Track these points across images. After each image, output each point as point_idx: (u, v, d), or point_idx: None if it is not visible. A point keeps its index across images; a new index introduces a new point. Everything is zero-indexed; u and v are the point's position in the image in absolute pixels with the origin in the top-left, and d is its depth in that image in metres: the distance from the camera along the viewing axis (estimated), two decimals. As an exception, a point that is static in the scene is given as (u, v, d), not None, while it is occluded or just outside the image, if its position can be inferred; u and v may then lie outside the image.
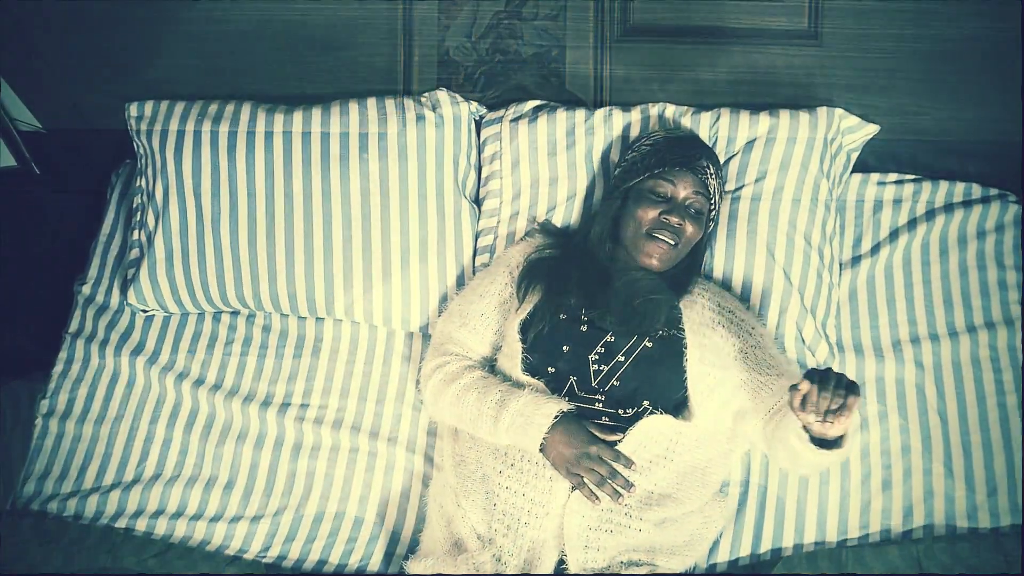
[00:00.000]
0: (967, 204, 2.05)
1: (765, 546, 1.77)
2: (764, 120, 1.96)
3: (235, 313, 2.10)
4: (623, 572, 1.61)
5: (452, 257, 2.01)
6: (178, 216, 2.04)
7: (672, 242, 1.76)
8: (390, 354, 2.02)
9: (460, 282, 2.00)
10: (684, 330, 1.75)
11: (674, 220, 1.76)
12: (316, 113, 2.04)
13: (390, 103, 2.04)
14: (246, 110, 2.05)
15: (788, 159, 1.93)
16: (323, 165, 2.00)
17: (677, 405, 1.73)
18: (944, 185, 2.07)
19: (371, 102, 2.05)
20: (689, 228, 1.77)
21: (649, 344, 1.73)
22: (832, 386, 1.43)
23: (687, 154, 1.79)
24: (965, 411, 1.85)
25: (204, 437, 1.94)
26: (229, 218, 2.01)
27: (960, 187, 2.07)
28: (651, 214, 1.77)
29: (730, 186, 1.95)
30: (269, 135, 2.02)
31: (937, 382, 1.88)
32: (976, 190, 2.06)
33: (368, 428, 1.93)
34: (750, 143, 1.96)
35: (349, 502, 1.86)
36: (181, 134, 2.04)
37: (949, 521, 1.76)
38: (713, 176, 1.80)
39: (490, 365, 1.85)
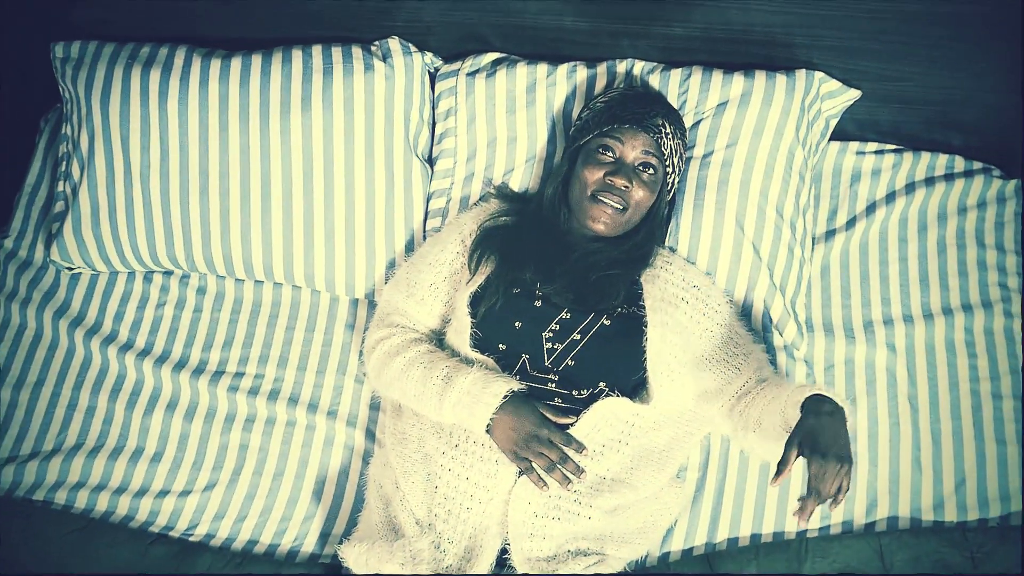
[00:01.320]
0: (949, 178, 1.96)
1: (722, 535, 1.69)
2: (738, 81, 1.83)
3: (167, 273, 1.97)
4: (569, 562, 1.51)
5: (401, 220, 1.89)
6: (105, 168, 1.90)
7: (618, 206, 1.65)
8: (332, 322, 1.91)
9: (409, 247, 1.89)
10: (645, 307, 1.65)
11: (619, 182, 1.64)
12: (256, 60, 1.89)
13: (337, 51, 1.90)
14: (180, 55, 1.91)
15: (762, 124, 1.81)
16: (262, 117, 1.86)
17: (635, 386, 1.64)
18: (926, 157, 1.97)
19: (316, 49, 1.91)
20: (638, 192, 1.66)
21: (607, 322, 1.63)
22: (830, 464, 1.35)
23: (641, 111, 1.67)
24: (936, 398, 1.77)
25: (131, 406, 1.83)
26: (159, 172, 1.88)
27: (942, 159, 1.97)
28: (596, 175, 1.66)
29: (698, 152, 1.83)
30: (204, 83, 1.87)
31: (909, 366, 1.80)
32: (959, 163, 1.97)
33: (306, 400, 1.83)
34: (722, 105, 1.83)
35: (284, 479, 1.77)
36: (109, 79, 1.89)
37: (914, 514, 1.68)
38: (670, 136, 1.67)
39: (438, 339, 1.75)
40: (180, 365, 1.86)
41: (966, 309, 1.83)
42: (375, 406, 1.82)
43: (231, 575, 1.64)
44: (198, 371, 1.85)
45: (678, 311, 1.66)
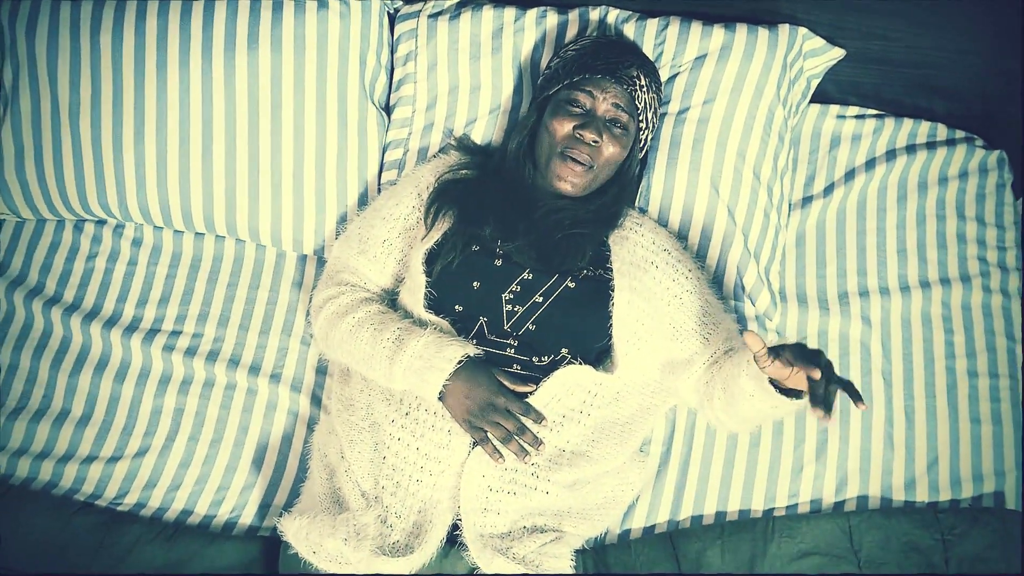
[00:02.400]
0: (931, 146, 1.88)
1: (685, 512, 1.61)
2: (718, 33, 1.73)
3: (100, 223, 1.84)
4: (525, 539, 1.42)
5: (354, 171, 1.77)
6: (30, 106, 1.76)
7: (586, 163, 1.55)
8: (278, 279, 1.80)
9: (362, 201, 1.78)
10: (612, 270, 1.55)
11: (588, 136, 1.54)
12: None
13: None
14: None
15: (742, 81, 1.71)
16: (204, 56, 1.72)
17: (599, 354, 1.55)
18: (908, 123, 1.90)
19: None
20: (608, 148, 1.56)
21: (571, 284, 1.53)
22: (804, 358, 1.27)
23: (614, 61, 1.57)
24: (911, 374, 1.71)
25: (56, 365, 1.71)
26: (91, 112, 1.74)
27: (925, 127, 1.90)
28: (565, 128, 1.56)
29: (674, 107, 1.72)
30: (141, 16, 1.74)
31: (883, 340, 1.73)
32: (942, 131, 1.90)
33: (248, 362, 1.72)
34: (700, 59, 1.73)
35: (222, 445, 1.66)
36: (36, 8, 1.76)
37: (885, 494, 1.62)
38: (645, 89, 1.57)
39: (391, 299, 1.65)
40: (112, 322, 1.74)
41: (944, 283, 1.76)
42: (322, 370, 1.72)
43: (162, 548, 1.53)
44: (131, 329, 1.74)
45: (647, 276, 1.57)
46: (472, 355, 1.46)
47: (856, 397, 1.27)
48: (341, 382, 1.62)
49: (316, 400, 1.70)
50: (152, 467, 1.64)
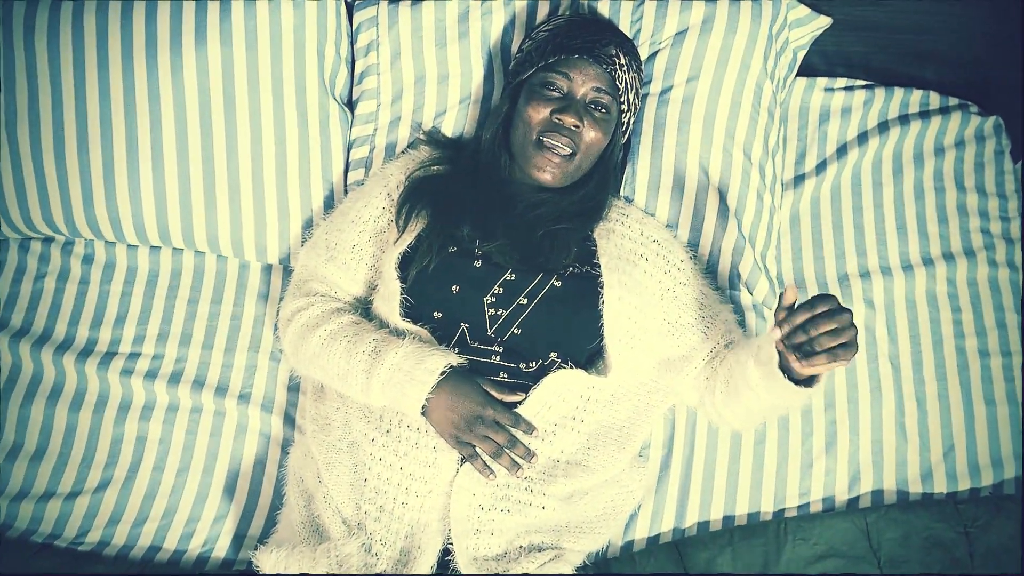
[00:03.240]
0: (924, 115, 1.80)
1: (691, 519, 1.52)
2: (698, 7, 1.63)
3: (46, 240, 1.72)
4: (522, 559, 1.32)
5: (318, 173, 1.66)
6: (-39, 116, 1.62)
7: (567, 150, 1.45)
8: (242, 292, 1.69)
9: (328, 204, 1.67)
10: (600, 265, 1.45)
11: (568, 120, 1.44)
12: None
13: None
14: None
15: (726, 55, 1.61)
16: (148, 53, 1.60)
17: (591, 356, 1.46)
18: (899, 93, 1.82)
19: None
20: (590, 133, 1.45)
21: (557, 283, 1.43)
22: (826, 313, 1.18)
23: (591, 40, 1.47)
24: (920, 357, 1.63)
25: (6, 395, 1.60)
26: (28, 119, 1.62)
27: (916, 95, 1.82)
28: (542, 113, 1.45)
29: (656, 87, 1.62)
30: (79, 14, 1.62)
31: (888, 323, 1.64)
32: (934, 99, 1.83)
33: (214, 383, 1.62)
34: (681, 34, 1.63)
35: (189, 474, 1.56)
36: (-37, 10, 1.61)
37: (900, 487, 1.53)
38: (625, 69, 1.46)
39: (364, 308, 1.55)
40: (64, 347, 1.62)
41: (947, 258, 1.68)
42: (294, 387, 1.62)
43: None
44: (85, 353, 1.62)
45: (637, 269, 1.47)
46: (455, 365, 1.36)
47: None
48: (315, 400, 1.52)
49: (290, 420, 1.60)
50: (115, 501, 1.53)
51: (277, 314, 1.61)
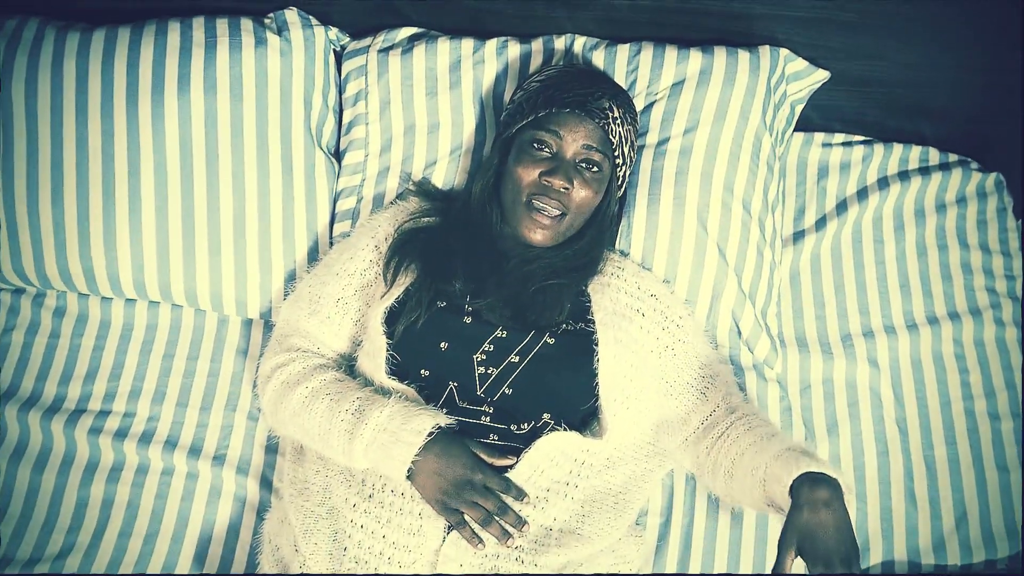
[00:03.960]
0: (924, 171, 1.77)
1: (691, 590, 1.43)
2: (695, 57, 1.59)
3: (17, 292, 1.66)
4: (512, 637, 1.24)
5: (302, 224, 1.61)
6: (-68, 163, 1.56)
7: (556, 212, 1.40)
8: (220, 347, 1.62)
9: (312, 257, 1.61)
10: (594, 322, 1.39)
11: (557, 183, 1.39)
12: (123, 35, 1.60)
13: (222, 23, 1.63)
14: (31, 28, 1.61)
15: (724, 107, 1.57)
16: (129, 103, 1.56)
17: (585, 417, 1.39)
18: (898, 148, 1.79)
19: (197, 22, 1.63)
20: (580, 192, 1.40)
21: (550, 341, 1.36)
22: None
23: (583, 93, 1.42)
24: (927, 420, 1.56)
25: None
26: (2, 168, 1.56)
27: (916, 151, 1.79)
28: (531, 175, 1.41)
29: (652, 138, 1.58)
30: (59, 59, 1.58)
31: (894, 384, 1.58)
32: (933, 155, 1.79)
33: (187, 443, 1.54)
34: (677, 85, 1.59)
35: (158, 540, 1.47)
36: (-65, 53, 1.57)
37: (912, 557, 1.46)
38: (619, 122, 1.42)
39: (348, 365, 1.48)
40: (30, 403, 1.55)
41: (953, 318, 1.63)
42: (272, 448, 1.54)
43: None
44: (52, 410, 1.55)
45: (633, 325, 1.41)
46: (444, 426, 1.29)
47: None
48: (294, 462, 1.44)
49: (267, 483, 1.52)
50: (78, 568, 1.44)
51: (256, 371, 1.53)
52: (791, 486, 1.21)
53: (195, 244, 1.57)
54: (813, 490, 1.18)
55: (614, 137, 1.42)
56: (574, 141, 1.40)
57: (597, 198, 1.43)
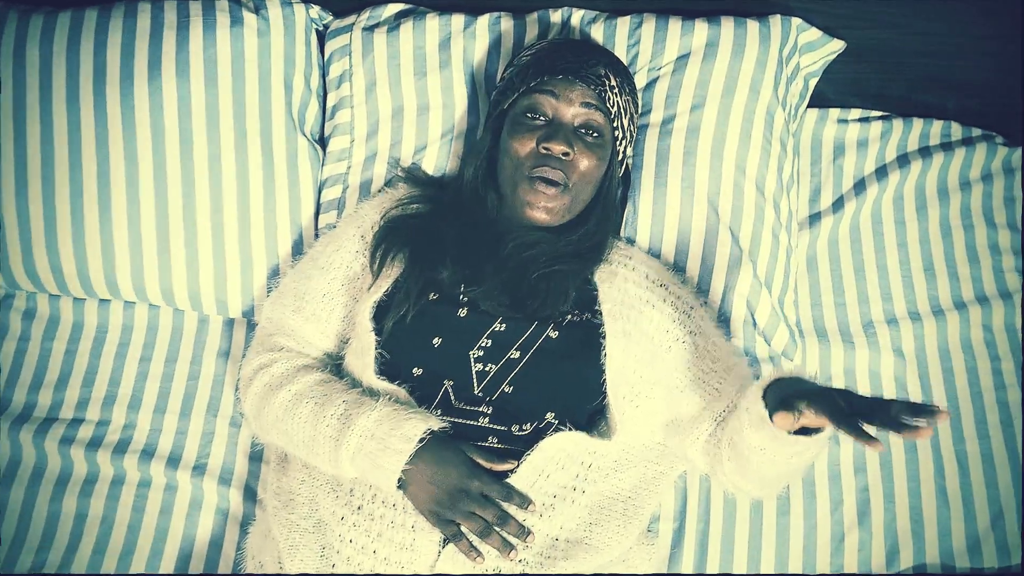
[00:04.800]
0: (946, 147, 1.67)
1: (708, 600, 1.33)
2: (701, 29, 1.50)
3: (-18, 294, 1.56)
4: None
5: (285, 216, 1.52)
6: None
7: (559, 182, 1.30)
8: (200, 349, 1.54)
9: (297, 250, 1.53)
10: (601, 312, 1.30)
11: (556, 148, 1.29)
12: (90, 17, 1.51)
13: (195, 3, 1.54)
14: None
15: (733, 80, 1.47)
16: (96, 89, 1.48)
17: (591, 416, 1.30)
18: (918, 124, 1.69)
19: (169, 3, 1.54)
20: (583, 160, 1.31)
21: (554, 334, 1.27)
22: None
23: (576, 61, 1.33)
24: (958, 412, 1.48)
25: None
26: (-39, 161, 1.47)
27: (937, 126, 1.69)
28: (527, 146, 1.32)
29: (656, 117, 1.48)
30: (21, 45, 1.49)
31: (921, 375, 1.49)
32: (956, 130, 1.70)
33: (165, 452, 1.45)
34: (682, 58, 1.49)
35: (135, 557, 1.39)
36: None
37: (945, 559, 1.36)
38: (616, 91, 1.33)
39: (335, 365, 1.39)
40: (-3, 412, 1.46)
41: (982, 301, 1.54)
42: (256, 456, 1.45)
43: None
44: (22, 419, 1.46)
45: (643, 317, 1.31)
46: (436, 430, 1.20)
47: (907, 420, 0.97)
48: (278, 471, 1.35)
49: (251, 493, 1.43)
50: (50, 589, 1.35)
51: (238, 373, 1.44)
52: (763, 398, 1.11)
53: (170, 239, 1.48)
54: (781, 382, 1.11)
55: (612, 107, 1.33)
56: (570, 104, 1.31)
57: (601, 167, 1.34)
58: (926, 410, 0.96)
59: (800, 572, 1.35)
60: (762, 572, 1.35)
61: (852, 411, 1.00)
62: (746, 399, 1.16)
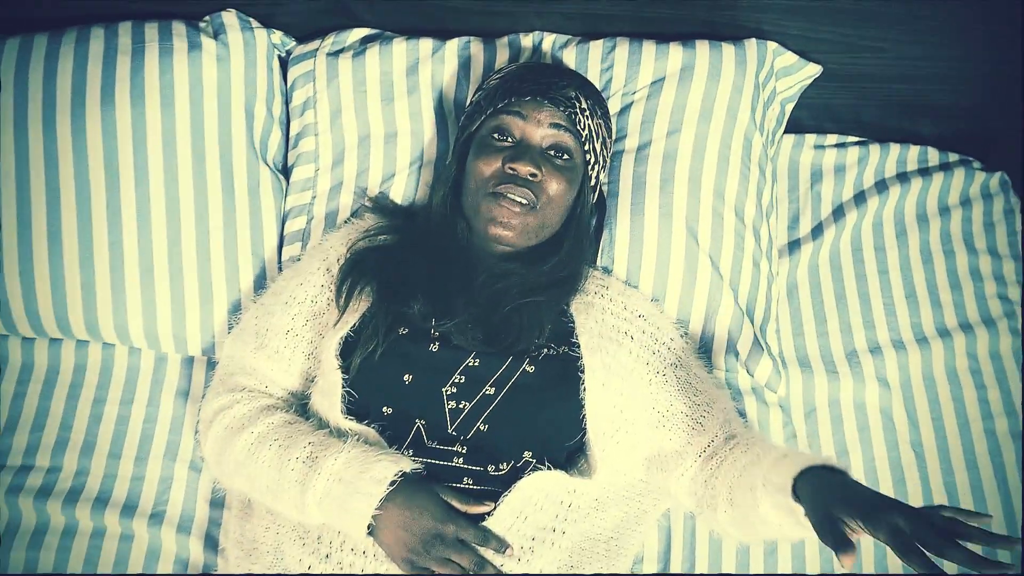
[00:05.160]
0: (924, 172, 1.66)
1: (696, 645, 1.27)
2: (675, 52, 1.47)
3: (-76, 335, 1.47)
4: None
5: (246, 249, 1.46)
6: None
7: (524, 200, 1.26)
8: (158, 389, 1.47)
9: (259, 285, 1.46)
10: (579, 345, 1.25)
11: (524, 168, 1.25)
12: (40, 43, 1.45)
13: (151, 28, 1.48)
14: None
15: (710, 105, 1.44)
16: (46, 118, 1.42)
17: (571, 454, 1.24)
18: (895, 149, 1.68)
19: (124, 27, 1.48)
20: (551, 184, 1.26)
21: (529, 368, 1.22)
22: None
23: (545, 82, 1.29)
24: (945, 442, 1.44)
25: None
26: (-99, 194, 1.39)
27: (914, 151, 1.68)
28: (492, 166, 1.27)
29: (631, 143, 1.45)
30: None
31: (907, 405, 1.46)
32: (933, 155, 1.69)
33: (120, 500, 1.38)
34: (657, 83, 1.46)
35: None
36: None
37: (939, 594, 1.30)
38: (588, 114, 1.29)
39: (301, 405, 1.32)
40: (-61, 462, 1.37)
41: (965, 329, 1.51)
42: (218, 502, 1.38)
43: None
44: None
45: (621, 349, 1.26)
46: (408, 471, 1.14)
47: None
48: (241, 517, 1.29)
49: (211, 542, 1.36)
50: (-7, 653, 1.26)
51: (198, 414, 1.37)
52: (793, 488, 1.03)
53: (125, 273, 1.41)
54: (820, 475, 1.02)
55: (583, 129, 1.28)
56: (539, 124, 1.27)
57: (572, 191, 1.29)
58: (1001, 539, 0.89)
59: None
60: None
61: (914, 535, 0.92)
62: (763, 468, 1.09)
